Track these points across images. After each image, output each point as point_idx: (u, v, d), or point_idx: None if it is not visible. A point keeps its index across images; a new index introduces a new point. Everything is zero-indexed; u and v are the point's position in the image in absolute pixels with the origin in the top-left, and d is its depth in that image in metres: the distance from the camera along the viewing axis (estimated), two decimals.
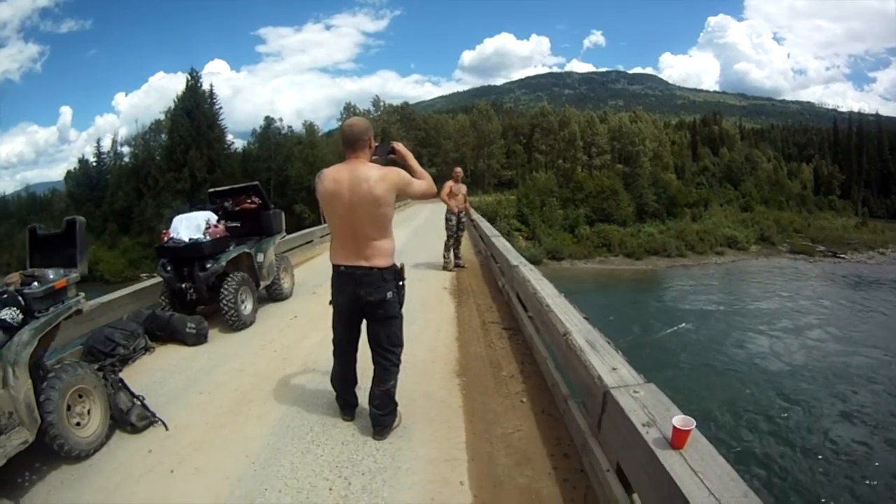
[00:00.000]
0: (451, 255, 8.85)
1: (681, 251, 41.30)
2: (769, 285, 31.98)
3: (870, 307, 27.10)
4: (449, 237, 8.77)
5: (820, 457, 11.18)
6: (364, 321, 2.98)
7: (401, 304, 2.96)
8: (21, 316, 2.82)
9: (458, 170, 9.06)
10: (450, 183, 8.80)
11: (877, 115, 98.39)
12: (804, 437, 12.13)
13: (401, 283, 2.93)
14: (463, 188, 8.88)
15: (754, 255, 44.34)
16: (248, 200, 6.48)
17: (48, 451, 2.78)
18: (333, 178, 2.78)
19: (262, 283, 6.23)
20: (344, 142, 2.84)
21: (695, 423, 1.77)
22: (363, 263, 2.80)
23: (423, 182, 2.92)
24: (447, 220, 8.72)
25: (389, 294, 2.85)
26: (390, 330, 2.94)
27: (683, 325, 21.66)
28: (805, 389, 15.13)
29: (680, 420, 1.78)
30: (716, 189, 63.48)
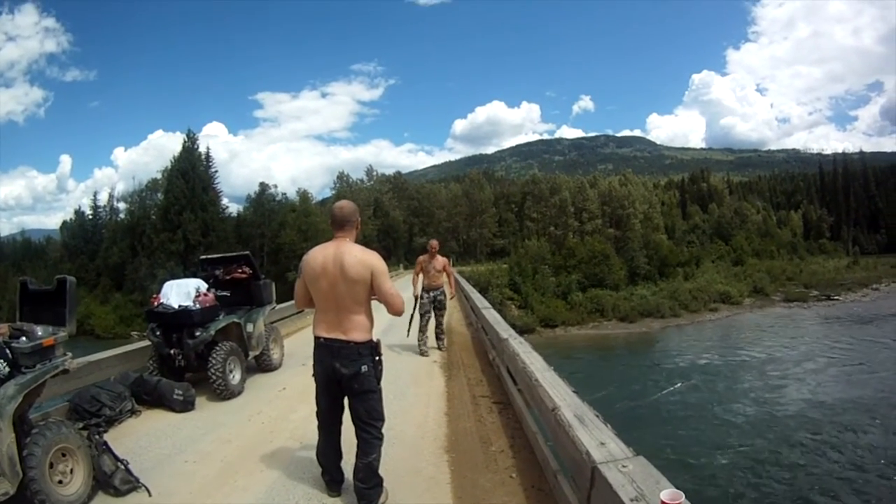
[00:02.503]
0: (429, 337, 7.94)
1: (674, 311, 41.24)
2: (763, 336, 32.15)
3: (873, 341, 27.70)
4: (422, 317, 7.82)
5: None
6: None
7: (378, 379, 2.99)
8: (7, 369, 2.85)
9: (433, 242, 8.17)
10: (421, 259, 8.01)
11: (861, 153, 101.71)
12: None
13: (377, 357, 2.97)
14: (439, 262, 7.90)
15: (748, 308, 44.53)
16: (239, 270, 6.53)
17: None
18: (322, 253, 2.95)
19: (251, 354, 6.20)
20: (332, 222, 3.01)
21: (683, 496, 1.74)
22: (341, 336, 2.90)
23: (396, 292, 2.96)
24: (420, 297, 7.82)
25: (364, 368, 2.89)
26: (368, 404, 2.95)
27: (679, 384, 21.58)
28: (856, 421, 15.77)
29: (668, 494, 1.75)
30: (707, 246, 64.44)
